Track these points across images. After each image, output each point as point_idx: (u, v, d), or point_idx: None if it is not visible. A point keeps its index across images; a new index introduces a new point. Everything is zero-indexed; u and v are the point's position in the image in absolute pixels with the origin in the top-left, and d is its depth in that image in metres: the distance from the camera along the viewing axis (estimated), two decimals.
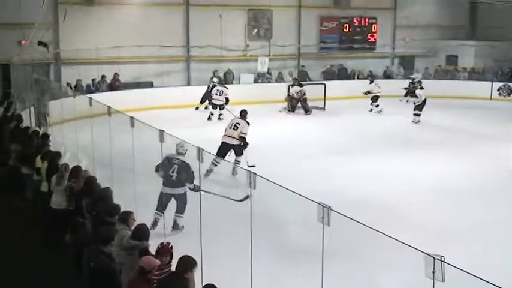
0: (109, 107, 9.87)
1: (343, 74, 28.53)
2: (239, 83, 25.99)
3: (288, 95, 23.25)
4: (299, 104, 23.09)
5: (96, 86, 22.90)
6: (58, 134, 14.00)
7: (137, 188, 8.91)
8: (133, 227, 6.96)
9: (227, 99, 21.05)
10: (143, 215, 7.90)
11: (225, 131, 13.63)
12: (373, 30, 29.04)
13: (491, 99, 26.54)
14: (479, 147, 16.87)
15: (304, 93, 22.92)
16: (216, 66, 25.71)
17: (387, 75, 28.97)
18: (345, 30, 28.59)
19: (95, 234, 6.91)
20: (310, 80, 26.52)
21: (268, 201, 7.74)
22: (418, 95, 20.87)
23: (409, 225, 9.83)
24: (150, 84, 24.46)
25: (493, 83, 26.90)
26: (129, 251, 6.60)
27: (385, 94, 25.54)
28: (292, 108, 22.96)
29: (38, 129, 13.91)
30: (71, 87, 20.61)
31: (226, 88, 21.71)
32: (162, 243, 6.30)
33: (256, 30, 26.86)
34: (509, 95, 26.52)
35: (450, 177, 13.47)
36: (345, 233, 5.10)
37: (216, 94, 21.25)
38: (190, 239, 7.06)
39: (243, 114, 14.01)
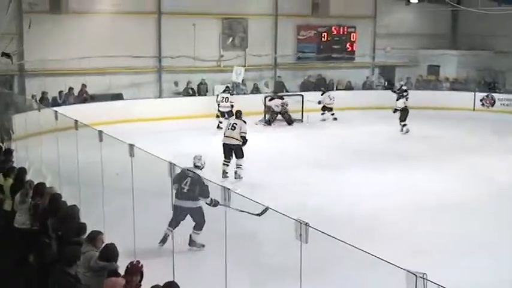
0: (76, 121, 9.80)
1: (321, 85, 28.50)
2: (213, 94, 25.90)
3: (265, 106, 23.34)
4: (279, 117, 23.24)
5: (63, 99, 22.68)
6: (22, 149, 13.86)
7: (106, 205, 8.85)
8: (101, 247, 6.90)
9: (232, 106, 21.37)
10: (113, 235, 7.82)
11: (224, 133, 14.58)
12: (352, 39, 29.00)
13: (474, 110, 26.74)
14: (464, 159, 17.00)
15: (287, 105, 23.20)
16: (189, 77, 25.65)
17: (367, 86, 29.17)
18: (323, 39, 28.56)
19: (61, 254, 6.81)
20: (287, 91, 26.54)
21: (244, 218, 7.74)
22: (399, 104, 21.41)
23: (392, 242, 9.87)
24: (120, 96, 24.25)
25: (476, 93, 27.17)
26: (97, 272, 6.52)
27: (365, 105, 25.85)
28: (270, 121, 23.07)
29: (0, 144, 13.76)
30: (36, 100, 20.35)
31: (231, 95, 22.37)
32: (131, 262, 6.21)
33: (231, 39, 26.80)
34: (492, 105, 26.83)
35: (434, 191, 13.53)
36: (324, 251, 5.09)
37: (222, 101, 21.74)
38: (162, 257, 7.01)
39: (238, 114, 14.94)
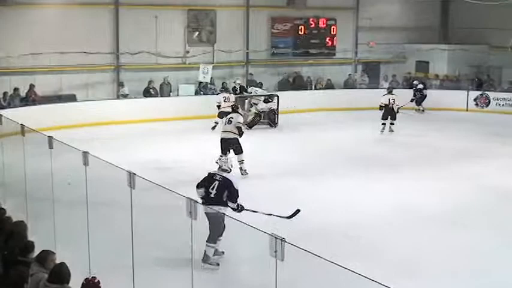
0: (23, 125, 9.71)
1: (298, 83, 28.59)
2: (178, 95, 25.80)
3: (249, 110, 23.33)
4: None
5: (8, 101, 22.43)
6: None
7: (57, 220, 8.78)
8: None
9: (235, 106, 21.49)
10: (65, 253, 7.75)
11: (221, 129, 16.09)
12: (332, 32, 28.99)
13: (467, 110, 26.85)
14: (455, 165, 17.02)
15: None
16: (151, 75, 25.46)
17: (349, 84, 29.20)
18: (300, 33, 28.50)
19: (6, 276, 6.75)
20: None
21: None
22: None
23: (375, 256, 9.93)
24: (73, 98, 24.05)
25: (469, 91, 27.28)
26: None
27: (347, 106, 25.96)
28: (252, 124, 22.83)
29: None
30: None
31: (235, 93, 22.98)
32: (87, 279, 6.22)
33: (197, 33, 26.68)
34: (487, 105, 27.04)
35: (422, 201, 13.54)
36: (301, 267, 5.10)
37: (225, 101, 21.90)
38: (121, 276, 6.97)
39: (235, 108, 16.81)
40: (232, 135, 15.54)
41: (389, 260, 9.87)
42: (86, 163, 7.82)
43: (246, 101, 23.70)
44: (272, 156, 18.21)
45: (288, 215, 9.96)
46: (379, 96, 22.40)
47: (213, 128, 21.56)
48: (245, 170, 15.57)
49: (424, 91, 26.57)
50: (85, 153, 7.79)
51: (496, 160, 17.69)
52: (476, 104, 27.20)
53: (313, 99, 26.57)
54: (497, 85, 28.72)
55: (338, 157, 18.21)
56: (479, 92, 27.34)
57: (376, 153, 18.95)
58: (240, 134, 15.57)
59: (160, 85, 25.77)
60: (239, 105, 20.80)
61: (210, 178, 9.98)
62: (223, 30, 27.14)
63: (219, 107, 22.07)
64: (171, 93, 25.81)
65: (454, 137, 21.35)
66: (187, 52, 26.52)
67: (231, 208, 9.69)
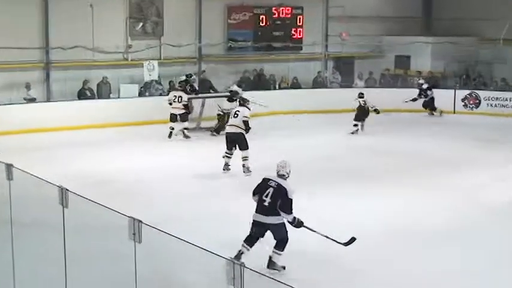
0: None
1: (260, 83, 28.43)
2: (118, 96, 25.57)
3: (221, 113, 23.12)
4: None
5: None
6: None
7: None
8: None
9: (187, 107, 22.22)
10: None
11: (227, 123, 17.65)
12: (298, 23, 29.10)
13: (454, 112, 27.28)
14: (443, 176, 17.18)
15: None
16: (86, 74, 25.31)
17: (319, 83, 29.33)
18: (261, 24, 28.57)
19: None
20: (214, 90, 25.89)
21: (159, 258, 7.78)
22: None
23: (359, 282, 10.06)
24: None
25: (457, 91, 27.67)
26: None
27: (316, 108, 25.97)
28: (220, 129, 22.20)
29: None
30: None
31: (190, 92, 23.08)
32: None
33: (141, 25, 26.67)
34: (477, 106, 27.39)
35: (409, 216, 13.64)
36: None
37: (175, 101, 21.95)
38: None
39: (242, 102, 17.77)
40: (237, 130, 16.70)
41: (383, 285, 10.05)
42: (9, 177, 7.74)
43: (200, 101, 23.70)
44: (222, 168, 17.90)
45: (345, 242, 10.50)
46: (353, 97, 22.65)
47: (170, 135, 21.65)
48: (248, 168, 16.66)
49: (429, 91, 26.54)
50: (9, 166, 7.72)
51: (488, 170, 17.75)
52: (465, 105, 27.51)
53: (277, 100, 26.23)
54: (489, 83, 29.11)
55: (305, 170, 17.90)
56: (468, 91, 27.68)
57: (351, 163, 18.84)
58: (247, 129, 16.72)
59: (98, 85, 25.55)
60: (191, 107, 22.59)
61: (264, 184, 10.48)
62: (171, 21, 27.12)
63: (171, 104, 22.06)
64: (110, 95, 25.65)
65: (440, 143, 21.44)
66: (130, 47, 26.51)
67: (288, 221, 10.20)
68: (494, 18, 27.91)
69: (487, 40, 29.31)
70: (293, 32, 29.23)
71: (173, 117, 21.85)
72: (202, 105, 23.72)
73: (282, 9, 28.96)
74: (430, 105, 26.72)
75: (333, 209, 14.18)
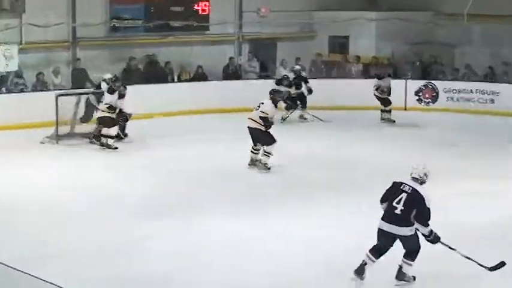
0: None
1: (152, 73, 27.90)
2: None
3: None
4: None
5: None
6: None
7: None
8: None
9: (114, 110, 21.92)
10: None
11: None
12: None
13: (405, 109, 27.20)
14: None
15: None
16: None
17: (231, 74, 28.79)
18: None
19: None
20: (92, 84, 25.53)
21: None
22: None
23: None
24: None
25: (408, 81, 27.64)
26: None
27: (226, 107, 25.83)
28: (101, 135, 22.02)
29: None
30: None
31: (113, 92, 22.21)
32: None
33: None
34: (434, 101, 27.40)
35: (306, 241, 13.67)
36: None
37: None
38: None
39: (272, 95, 19.61)
40: (254, 125, 18.34)
41: None
42: None
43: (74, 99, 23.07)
44: (116, 188, 17.61)
45: (491, 266, 11.30)
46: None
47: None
48: (265, 165, 18.37)
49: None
50: None
51: (450, 184, 17.28)
52: (419, 100, 27.48)
53: (176, 96, 26.21)
54: (449, 71, 28.78)
55: (219, 186, 17.67)
56: (423, 82, 27.53)
57: (284, 175, 18.93)
58: (266, 126, 18.23)
59: None
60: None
61: (396, 188, 11.07)
62: None
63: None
64: None
65: (387, 148, 21.31)
66: None
67: (422, 234, 10.87)
68: None
69: (446, 15, 29.45)
70: (196, 7, 28.47)
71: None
72: (77, 103, 22.93)
73: None
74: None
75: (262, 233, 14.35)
